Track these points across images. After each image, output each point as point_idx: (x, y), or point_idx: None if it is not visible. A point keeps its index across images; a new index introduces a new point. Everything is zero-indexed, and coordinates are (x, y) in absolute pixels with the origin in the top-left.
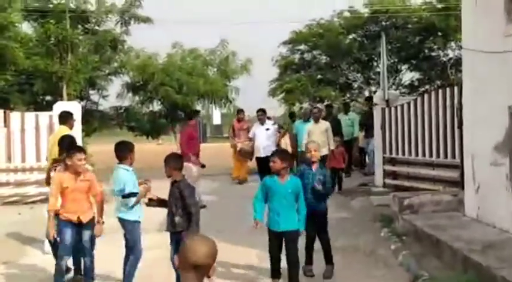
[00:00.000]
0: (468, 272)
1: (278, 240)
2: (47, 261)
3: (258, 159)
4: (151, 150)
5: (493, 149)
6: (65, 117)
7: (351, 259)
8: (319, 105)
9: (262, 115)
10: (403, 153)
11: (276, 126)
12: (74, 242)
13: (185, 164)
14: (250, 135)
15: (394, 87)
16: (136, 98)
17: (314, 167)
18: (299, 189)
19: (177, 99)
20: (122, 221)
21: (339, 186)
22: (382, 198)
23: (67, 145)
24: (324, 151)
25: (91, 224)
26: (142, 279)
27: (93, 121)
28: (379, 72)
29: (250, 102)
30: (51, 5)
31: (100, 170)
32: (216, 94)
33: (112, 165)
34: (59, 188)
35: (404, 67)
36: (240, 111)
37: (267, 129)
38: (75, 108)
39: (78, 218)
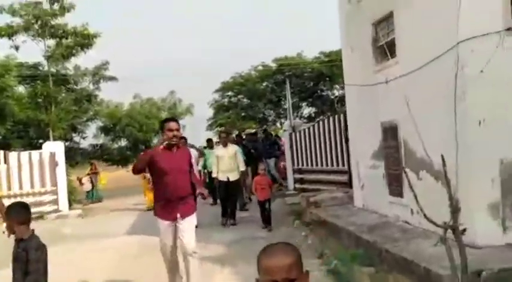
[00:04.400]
0: (360, 248)
1: None
2: None
3: None
4: (121, 175)
5: (372, 156)
6: None
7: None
8: (226, 129)
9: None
10: (307, 164)
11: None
12: None
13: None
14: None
15: (297, 118)
16: (108, 137)
17: None
18: None
19: (138, 136)
20: None
21: (267, 219)
22: (293, 198)
23: None
24: (235, 176)
25: None
26: None
27: (76, 156)
28: (286, 109)
29: (195, 136)
30: (39, 72)
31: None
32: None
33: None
34: None
35: (304, 104)
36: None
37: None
38: (59, 147)
39: None
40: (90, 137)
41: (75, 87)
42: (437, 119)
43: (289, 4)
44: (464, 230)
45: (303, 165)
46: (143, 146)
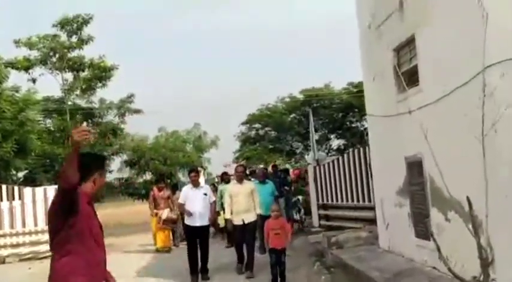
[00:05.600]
0: None
1: None
2: None
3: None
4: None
5: (396, 193)
6: None
7: None
8: (243, 162)
9: (195, 176)
10: (332, 200)
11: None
12: None
13: None
14: (181, 200)
15: (326, 151)
16: (133, 171)
17: None
18: None
19: (163, 170)
20: None
21: (281, 276)
22: (316, 236)
23: None
24: (251, 217)
25: None
26: None
27: (102, 190)
28: (316, 141)
29: (219, 168)
30: (65, 105)
31: (108, 227)
32: (193, 164)
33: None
34: None
35: (332, 136)
36: (161, 179)
37: (205, 194)
38: None
39: None
40: (114, 170)
41: (100, 120)
42: (463, 155)
43: (315, 34)
44: None
45: (327, 200)
46: (168, 179)
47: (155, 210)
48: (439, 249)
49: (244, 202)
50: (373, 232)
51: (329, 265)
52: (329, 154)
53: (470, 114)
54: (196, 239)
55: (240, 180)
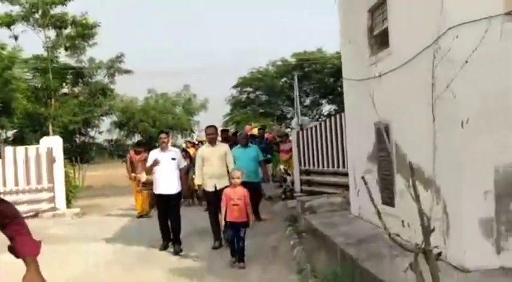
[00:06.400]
0: (344, 264)
1: None
2: None
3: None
4: None
5: (367, 159)
6: None
7: (254, 254)
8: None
9: (165, 138)
10: (314, 165)
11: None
12: None
13: None
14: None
15: (316, 116)
16: (122, 132)
17: None
18: None
19: (152, 132)
20: None
21: (239, 252)
22: (295, 202)
23: None
24: (224, 183)
25: None
26: None
27: (91, 152)
28: (306, 106)
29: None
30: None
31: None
32: (182, 127)
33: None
34: None
35: (324, 101)
36: (139, 143)
37: (173, 158)
38: (57, 142)
39: None
40: (104, 131)
41: (89, 80)
42: (421, 120)
43: None
44: (440, 254)
45: (309, 166)
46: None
47: (133, 174)
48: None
49: (217, 166)
50: (346, 198)
51: (301, 230)
52: (319, 119)
53: (429, 78)
54: (166, 208)
55: (212, 142)
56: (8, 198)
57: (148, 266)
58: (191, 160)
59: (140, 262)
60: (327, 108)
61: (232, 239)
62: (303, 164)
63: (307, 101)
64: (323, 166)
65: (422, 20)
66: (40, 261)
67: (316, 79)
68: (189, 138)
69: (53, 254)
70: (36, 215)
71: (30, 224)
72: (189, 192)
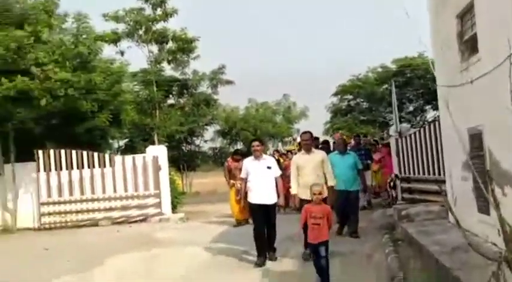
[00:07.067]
0: (438, 273)
1: None
2: None
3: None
4: None
5: (462, 166)
6: None
7: (347, 261)
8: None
9: (258, 146)
10: (415, 173)
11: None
12: None
13: None
14: (243, 174)
15: (420, 123)
16: (225, 140)
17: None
18: None
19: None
20: None
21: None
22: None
23: None
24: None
25: None
26: None
27: (197, 159)
28: (409, 112)
29: None
30: (161, 77)
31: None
32: (282, 135)
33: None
34: None
35: (428, 107)
36: (236, 151)
37: (268, 167)
38: (162, 151)
39: None
40: (208, 140)
41: (193, 91)
42: None
43: (408, 4)
44: None
45: (410, 173)
46: None
47: (232, 181)
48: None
49: (313, 175)
50: (444, 206)
51: (397, 238)
52: (423, 126)
53: None
54: (261, 218)
55: (307, 150)
56: (118, 203)
57: (245, 270)
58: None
59: (237, 266)
60: (431, 114)
61: (315, 261)
62: (403, 172)
63: (410, 108)
64: (423, 173)
65: (509, 24)
66: (146, 262)
67: (419, 85)
68: (278, 148)
69: (158, 256)
70: (144, 219)
71: (139, 227)
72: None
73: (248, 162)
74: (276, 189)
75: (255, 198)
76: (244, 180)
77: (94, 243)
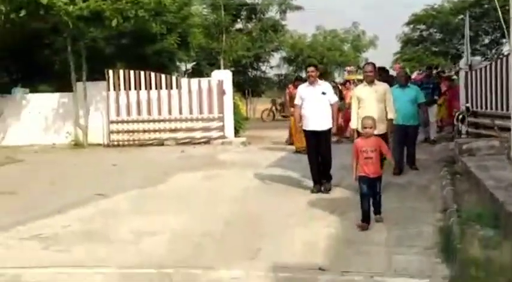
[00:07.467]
0: (489, 206)
1: None
2: None
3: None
4: None
5: None
6: None
7: (403, 192)
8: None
9: (312, 71)
10: (483, 107)
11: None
12: None
13: None
14: (297, 101)
15: (495, 56)
16: (291, 67)
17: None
18: None
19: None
20: None
21: (375, 207)
22: None
23: None
24: (382, 128)
25: None
26: None
27: (262, 85)
28: (484, 45)
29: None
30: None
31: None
32: (349, 64)
33: None
34: None
35: (504, 41)
36: (298, 77)
37: (323, 93)
38: (227, 75)
39: None
40: (274, 66)
41: (262, 16)
42: None
43: None
44: None
45: (477, 108)
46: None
47: (292, 109)
48: None
49: (374, 108)
50: (508, 142)
51: (456, 171)
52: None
53: None
54: (315, 146)
55: (370, 82)
56: (184, 125)
57: (299, 195)
58: (341, 99)
59: (293, 191)
60: (507, 48)
61: (366, 195)
62: (471, 106)
63: (486, 40)
64: (491, 108)
65: None
66: (206, 182)
67: (497, 17)
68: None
69: (218, 177)
70: (207, 141)
71: (202, 149)
72: (339, 130)
73: (302, 88)
74: (332, 116)
75: (308, 124)
76: (299, 107)
77: (159, 162)
